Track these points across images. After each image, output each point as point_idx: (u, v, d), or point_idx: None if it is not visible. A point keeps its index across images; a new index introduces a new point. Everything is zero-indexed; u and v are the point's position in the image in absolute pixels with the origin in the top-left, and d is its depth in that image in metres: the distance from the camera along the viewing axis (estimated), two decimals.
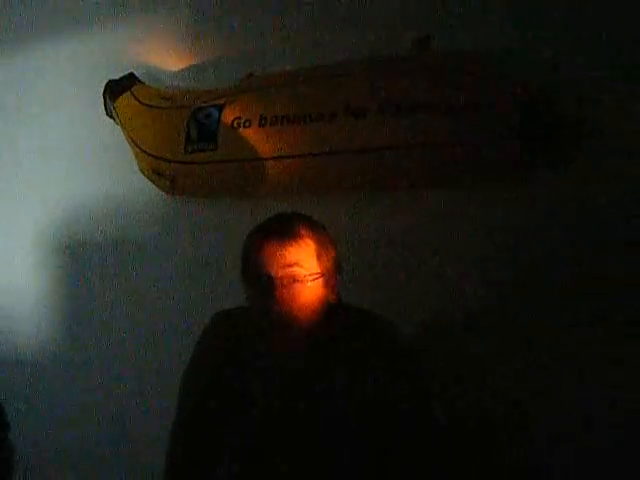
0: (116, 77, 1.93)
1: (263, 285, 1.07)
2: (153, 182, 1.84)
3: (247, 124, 1.56)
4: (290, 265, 1.07)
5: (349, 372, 1.09)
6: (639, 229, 1.28)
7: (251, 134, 1.55)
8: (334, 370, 1.10)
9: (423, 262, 1.49)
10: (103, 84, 1.93)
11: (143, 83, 1.93)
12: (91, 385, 2.04)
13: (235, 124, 1.58)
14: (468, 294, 1.43)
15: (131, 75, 1.93)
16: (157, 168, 1.77)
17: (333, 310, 1.13)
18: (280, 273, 1.06)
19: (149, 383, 1.88)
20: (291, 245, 1.07)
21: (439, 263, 1.47)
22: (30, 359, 2.17)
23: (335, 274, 1.13)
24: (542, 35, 1.37)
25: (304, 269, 1.07)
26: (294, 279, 1.07)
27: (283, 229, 1.09)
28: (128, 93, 1.89)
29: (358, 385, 1.09)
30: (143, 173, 1.86)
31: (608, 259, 1.30)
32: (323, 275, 1.10)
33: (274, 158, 1.52)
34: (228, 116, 1.60)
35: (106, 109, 1.96)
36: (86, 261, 2.08)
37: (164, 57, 1.96)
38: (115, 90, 1.91)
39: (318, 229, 1.13)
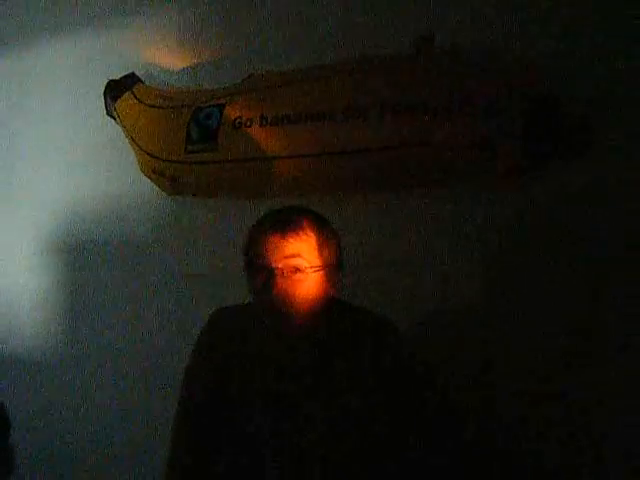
0: (117, 77, 1.93)
1: (264, 276, 1.07)
2: (153, 182, 1.84)
3: (248, 124, 1.56)
4: (291, 256, 1.06)
5: (348, 367, 1.11)
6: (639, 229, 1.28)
7: (252, 134, 1.55)
8: (333, 365, 1.11)
9: (423, 262, 1.50)
10: (103, 84, 1.94)
11: (144, 83, 1.94)
12: (91, 385, 2.05)
13: (236, 124, 1.58)
14: (468, 293, 1.43)
15: (132, 75, 1.94)
16: (157, 168, 1.77)
17: (333, 306, 1.14)
18: (281, 264, 1.06)
19: (149, 382, 1.89)
20: (292, 237, 1.07)
21: (439, 262, 1.48)
22: (30, 359, 2.17)
23: (337, 269, 1.13)
24: (544, 35, 1.37)
25: (305, 260, 1.07)
26: (295, 270, 1.07)
27: (284, 221, 1.09)
28: (129, 93, 1.89)
29: (357, 380, 1.10)
30: (143, 173, 1.87)
31: (607, 259, 1.31)
32: (324, 268, 1.09)
33: (275, 158, 1.52)
34: (229, 116, 1.60)
35: (107, 109, 1.97)
36: (86, 261, 2.09)
37: (165, 57, 1.96)
38: (116, 90, 1.92)
39: (321, 222, 1.13)
